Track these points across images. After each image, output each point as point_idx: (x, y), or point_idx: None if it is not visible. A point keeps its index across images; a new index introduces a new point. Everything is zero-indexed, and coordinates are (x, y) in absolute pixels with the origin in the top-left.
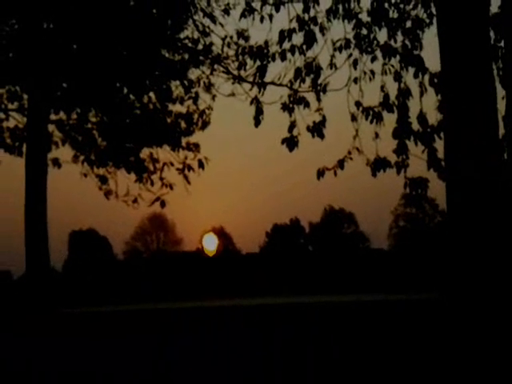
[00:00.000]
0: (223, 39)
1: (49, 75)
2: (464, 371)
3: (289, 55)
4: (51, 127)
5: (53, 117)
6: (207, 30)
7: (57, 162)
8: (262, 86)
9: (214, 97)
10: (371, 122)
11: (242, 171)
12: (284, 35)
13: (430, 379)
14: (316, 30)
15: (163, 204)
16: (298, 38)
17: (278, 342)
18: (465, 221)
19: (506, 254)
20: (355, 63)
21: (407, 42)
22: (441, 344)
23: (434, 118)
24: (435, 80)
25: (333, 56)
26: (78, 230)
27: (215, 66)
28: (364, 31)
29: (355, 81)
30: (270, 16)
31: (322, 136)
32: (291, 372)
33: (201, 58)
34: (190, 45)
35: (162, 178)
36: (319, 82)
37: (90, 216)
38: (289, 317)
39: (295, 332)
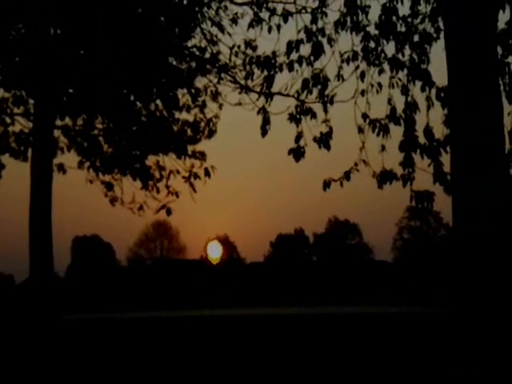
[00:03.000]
0: (231, 48)
1: (55, 80)
2: None
3: (296, 66)
4: (57, 133)
5: (58, 122)
6: (215, 38)
7: (62, 168)
8: (269, 96)
9: (220, 106)
10: (378, 135)
11: (247, 180)
12: (292, 46)
13: None
14: (324, 41)
15: (169, 212)
16: (305, 49)
17: (280, 352)
18: (471, 235)
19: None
20: (362, 75)
21: (414, 55)
22: (445, 357)
23: (440, 132)
24: (442, 94)
25: (340, 68)
26: (82, 235)
27: (222, 75)
28: (372, 44)
29: (362, 93)
30: (278, 26)
31: (328, 147)
32: (291, 379)
33: (208, 66)
34: (197, 53)
35: (167, 186)
36: (326, 93)
37: (94, 222)
38: (290, 327)
39: (298, 342)
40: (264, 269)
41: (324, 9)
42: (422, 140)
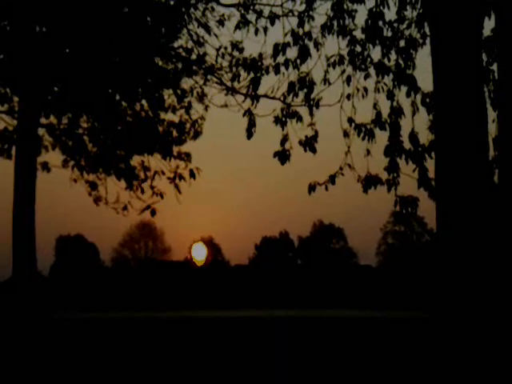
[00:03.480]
0: (217, 50)
1: (40, 79)
2: None
3: (282, 69)
4: (41, 131)
5: (43, 120)
6: (201, 40)
7: (46, 167)
8: (255, 98)
9: (206, 107)
10: (363, 139)
11: (233, 183)
12: (278, 49)
13: None
14: (310, 45)
15: (153, 212)
16: (292, 52)
17: (262, 354)
18: (454, 240)
19: (495, 272)
20: (348, 80)
21: (400, 60)
22: (429, 361)
23: (425, 137)
24: (427, 100)
25: (326, 71)
26: (66, 235)
27: (208, 77)
28: (358, 48)
29: (348, 97)
30: (265, 29)
31: (313, 151)
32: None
33: (194, 67)
34: (183, 54)
35: (152, 187)
36: (312, 96)
37: (78, 222)
38: (275, 329)
39: (281, 344)
40: (248, 271)
41: (311, 12)
42: (406, 145)
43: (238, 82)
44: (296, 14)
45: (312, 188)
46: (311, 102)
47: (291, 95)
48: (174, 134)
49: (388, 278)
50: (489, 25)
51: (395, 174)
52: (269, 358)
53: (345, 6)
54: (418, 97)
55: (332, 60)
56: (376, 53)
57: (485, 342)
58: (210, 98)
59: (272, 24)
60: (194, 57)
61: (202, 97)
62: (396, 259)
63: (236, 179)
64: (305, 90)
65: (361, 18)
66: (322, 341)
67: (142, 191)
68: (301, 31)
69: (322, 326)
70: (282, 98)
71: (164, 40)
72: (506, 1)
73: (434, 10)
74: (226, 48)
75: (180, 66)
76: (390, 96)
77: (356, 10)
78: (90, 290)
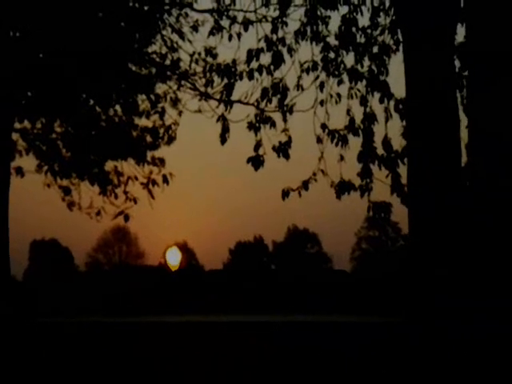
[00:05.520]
0: (191, 55)
1: (14, 83)
2: None
3: (256, 74)
4: (15, 136)
5: (17, 125)
6: (175, 45)
7: (20, 171)
8: (229, 103)
9: (180, 112)
10: (336, 145)
11: (206, 188)
12: (252, 54)
13: None
14: (284, 50)
15: (127, 218)
16: (265, 58)
17: (239, 360)
18: (426, 246)
19: (467, 278)
20: (322, 86)
21: (373, 67)
22: (403, 366)
23: (398, 143)
24: (400, 106)
25: (300, 77)
26: (40, 239)
27: (182, 82)
28: (331, 54)
29: (321, 103)
30: (239, 35)
31: (287, 156)
32: None
33: (168, 73)
34: (157, 59)
35: (126, 192)
36: (286, 102)
37: (52, 226)
38: (250, 335)
39: (258, 350)
40: (223, 276)
41: (284, 18)
42: (380, 151)
43: (212, 87)
44: (270, 19)
45: (286, 194)
46: (285, 108)
47: (265, 101)
48: (148, 139)
49: (362, 283)
50: (461, 31)
51: (368, 180)
52: (248, 364)
53: (318, 12)
54: (391, 103)
55: (305, 66)
56: (349, 59)
57: (460, 347)
58: (183, 104)
59: (246, 30)
60: (167, 62)
61: (175, 102)
62: (370, 264)
63: (209, 184)
64: (278, 96)
65: (334, 24)
66: (296, 346)
67: (116, 196)
68: (274, 37)
69: (296, 331)
70: (255, 104)
71: (138, 45)
72: (475, 8)
73: (407, 16)
74: (199, 54)
75: (154, 71)
76: (364, 102)
77: (329, 16)
78: (64, 295)
